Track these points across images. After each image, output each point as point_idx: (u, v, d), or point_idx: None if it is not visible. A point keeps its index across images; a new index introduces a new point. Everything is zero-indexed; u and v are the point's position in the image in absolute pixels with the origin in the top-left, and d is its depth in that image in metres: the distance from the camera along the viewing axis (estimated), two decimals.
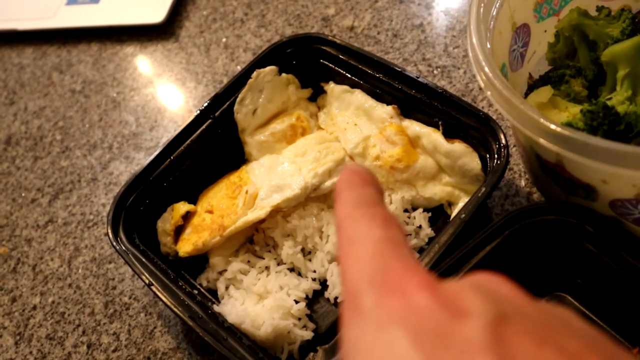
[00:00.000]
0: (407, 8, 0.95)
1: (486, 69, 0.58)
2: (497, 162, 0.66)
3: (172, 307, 0.66)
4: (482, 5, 0.63)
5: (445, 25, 0.91)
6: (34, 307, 0.82)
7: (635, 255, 0.57)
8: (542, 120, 0.53)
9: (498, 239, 0.61)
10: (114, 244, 0.72)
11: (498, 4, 0.65)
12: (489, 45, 0.62)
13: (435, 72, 0.87)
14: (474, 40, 0.61)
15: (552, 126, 0.52)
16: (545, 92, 0.68)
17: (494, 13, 0.65)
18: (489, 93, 0.58)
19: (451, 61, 0.87)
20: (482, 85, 0.59)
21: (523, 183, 0.74)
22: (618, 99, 0.63)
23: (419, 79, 0.73)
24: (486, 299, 0.27)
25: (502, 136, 0.66)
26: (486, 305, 0.26)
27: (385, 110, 0.76)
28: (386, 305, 0.27)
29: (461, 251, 0.60)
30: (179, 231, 0.77)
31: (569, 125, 0.61)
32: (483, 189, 0.65)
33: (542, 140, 0.54)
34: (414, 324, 0.26)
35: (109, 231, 0.72)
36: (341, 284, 0.31)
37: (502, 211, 0.73)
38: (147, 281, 0.68)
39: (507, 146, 0.66)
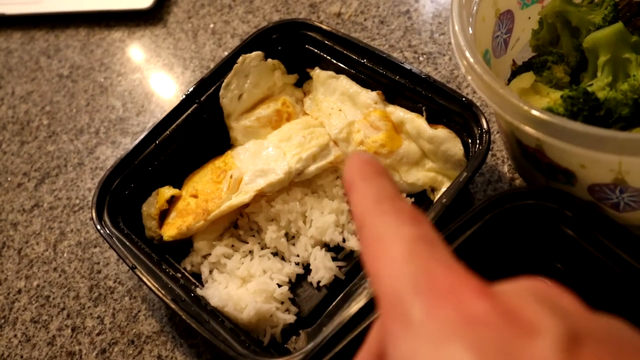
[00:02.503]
0: None
1: (467, 54, 0.59)
2: (478, 147, 0.66)
3: (155, 290, 0.67)
4: None
5: (431, 12, 0.92)
6: (19, 291, 0.82)
7: (613, 240, 0.58)
8: (521, 104, 0.54)
9: (478, 223, 0.61)
10: (98, 227, 0.72)
11: None
12: (471, 31, 0.62)
13: (421, 58, 0.87)
14: (456, 25, 0.61)
15: (531, 111, 0.53)
16: (527, 78, 0.68)
17: None
18: (469, 78, 0.58)
19: (437, 48, 0.87)
20: (463, 70, 0.59)
21: (506, 169, 0.75)
22: (599, 85, 0.63)
23: (403, 65, 0.74)
24: (552, 313, 0.25)
25: (483, 121, 0.67)
26: (554, 320, 0.24)
27: (369, 96, 0.76)
28: (440, 316, 0.25)
29: (442, 234, 0.61)
30: (163, 215, 0.77)
31: (549, 110, 0.61)
32: (465, 174, 0.65)
33: (521, 125, 0.54)
34: (476, 339, 0.24)
35: (94, 214, 0.73)
36: (375, 289, 0.28)
37: (484, 197, 0.73)
38: (130, 264, 0.69)
39: (488, 131, 0.66)
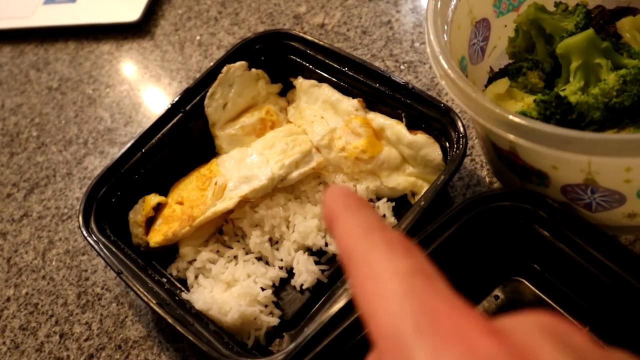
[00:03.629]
0: (376, 6, 0.97)
1: (441, 60, 0.60)
2: (456, 151, 0.68)
3: (141, 294, 0.68)
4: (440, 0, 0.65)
5: (412, 22, 0.94)
6: (8, 299, 0.83)
7: (586, 240, 0.59)
8: (493, 108, 0.56)
9: (456, 225, 0.63)
10: (85, 234, 0.73)
11: None
12: (446, 38, 0.64)
13: (402, 67, 0.89)
14: (431, 32, 0.63)
15: (503, 113, 0.55)
16: (502, 84, 0.70)
17: (452, 7, 0.67)
18: (443, 83, 0.60)
19: (417, 56, 0.89)
20: (438, 76, 0.61)
21: (484, 173, 0.76)
22: (571, 90, 0.65)
23: (383, 73, 0.75)
24: (563, 351, 0.24)
25: (460, 126, 0.68)
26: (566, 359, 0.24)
27: (351, 104, 0.78)
28: (448, 359, 0.23)
29: (419, 236, 0.62)
30: (150, 222, 0.78)
31: (522, 114, 0.63)
32: (442, 177, 0.67)
33: (494, 128, 0.56)
34: None
35: (81, 222, 0.74)
36: (371, 329, 0.26)
37: (464, 199, 0.75)
38: (117, 270, 0.70)
39: (465, 135, 0.68)
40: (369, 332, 0.26)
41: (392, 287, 0.26)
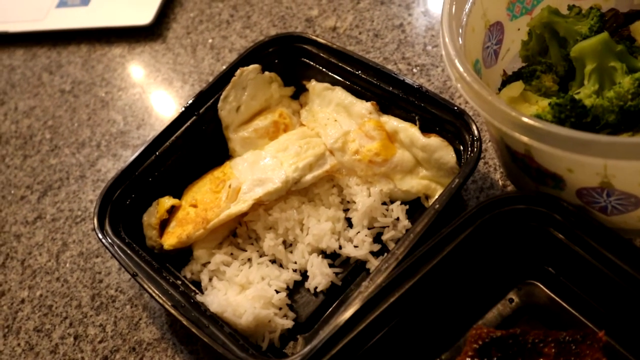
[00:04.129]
0: (387, 9, 0.97)
1: (457, 63, 0.60)
2: (470, 154, 0.68)
3: (156, 296, 0.68)
4: (454, 3, 0.65)
5: (424, 25, 0.94)
6: (22, 301, 0.83)
7: (601, 243, 0.59)
8: (509, 111, 0.56)
9: (470, 228, 0.63)
10: (100, 236, 0.73)
11: (470, 2, 0.67)
12: (461, 42, 0.64)
13: (414, 70, 0.89)
14: (446, 36, 0.63)
15: (518, 116, 0.55)
16: (516, 87, 0.70)
17: (466, 11, 0.67)
18: (459, 86, 0.60)
19: (430, 60, 0.89)
20: (453, 79, 0.61)
21: (498, 176, 0.76)
22: (585, 93, 0.65)
23: (397, 76, 0.76)
24: None
25: (475, 129, 0.69)
26: None
27: (364, 107, 0.78)
28: None
29: (434, 239, 0.62)
30: (164, 225, 0.79)
31: (537, 117, 0.63)
32: (457, 180, 0.67)
33: (509, 131, 0.56)
34: None
35: (96, 224, 0.74)
36: None
37: (477, 203, 0.75)
38: (131, 272, 0.70)
39: (479, 139, 0.68)
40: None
41: None
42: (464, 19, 0.66)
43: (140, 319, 0.77)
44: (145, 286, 0.69)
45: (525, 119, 0.54)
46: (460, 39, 0.64)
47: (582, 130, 0.61)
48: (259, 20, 1.04)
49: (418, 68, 0.89)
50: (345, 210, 0.76)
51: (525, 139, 0.55)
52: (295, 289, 0.74)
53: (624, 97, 0.62)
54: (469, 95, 0.59)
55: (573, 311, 0.64)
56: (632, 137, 0.61)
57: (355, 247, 0.73)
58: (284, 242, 0.76)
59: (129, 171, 0.78)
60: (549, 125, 0.54)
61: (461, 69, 0.60)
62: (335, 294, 0.72)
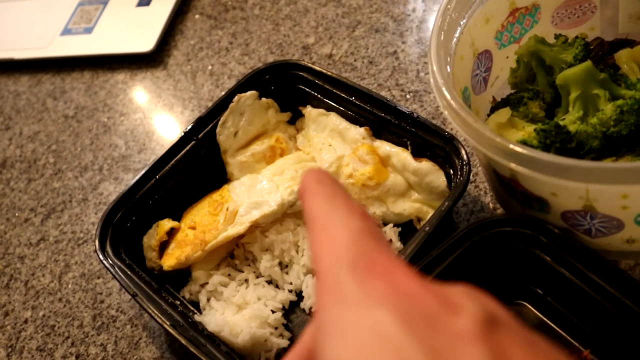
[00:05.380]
0: (382, 37, 1.00)
1: (444, 91, 0.63)
2: (459, 178, 0.70)
3: (155, 316, 0.70)
4: (442, 32, 0.68)
5: (417, 52, 0.97)
6: (26, 321, 0.85)
7: (586, 264, 0.61)
8: (493, 137, 0.58)
9: (459, 250, 0.65)
10: (101, 258, 0.76)
11: (458, 31, 0.70)
12: (449, 70, 0.67)
13: (407, 96, 0.92)
14: (434, 65, 0.65)
15: (503, 143, 0.57)
16: (504, 113, 0.72)
17: (455, 40, 0.69)
18: (446, 113, 0.62)
19: (423, 86, 0.92)
20: (441, 106, 0.63)
21: (488, 199, 0.79)
22: (570, 119, 0.68)
23: (389, 102, 0.78)
24: (477, 303, 0.26)
25: (464, 154, 0.71)
26: (478, 307, 0.26)
27: (358, 132, 0.81)
28: (372, 287, 0.26)
29: (424, 261, 0.64)
30: (163, 246, 0.81)
31: (523, 142, 0.65)
32: (446, 203, 0.69)
33: (495, 156, 0.59)
34: (402, 307, 0.25)
35: (97, 246, 0.76)
36: (314, 268, 0.30)
37: (466, 225, 0.77)
38: (132, 292, 0.72)
39: (468, 163, 0.70)
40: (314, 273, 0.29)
41: (341, 236, 0.29)
42: (453, 48, 0.69)
43: (140, 339, 0.79)
44: (145, 306, 0.71)
45: (509, 145, 0.57)
46: (448, 67, 0.67)
47: (568, 155, 0.64)
48: (257, 48, 1.07)
49: (411, 94, 0.92)
50: None
51: (510, 164, 0.57)
52: (290, 309, 0.76)
53: (606, 124, 0.65)
54: (456, 122, 0.61)
55: (559, 330, 0.66)
56: (612, 162, 0.64)
57: None
58: (280, 264, 0.78)
59: (129, 194, 0.81)
60: (532, 151, 0.56)
61: (448, 97, 0.62)
62: None
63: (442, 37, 0.67)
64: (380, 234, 0.31)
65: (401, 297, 0.26)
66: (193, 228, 0.80)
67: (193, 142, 0.84)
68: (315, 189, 0.33)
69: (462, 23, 0.70)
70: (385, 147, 0.79)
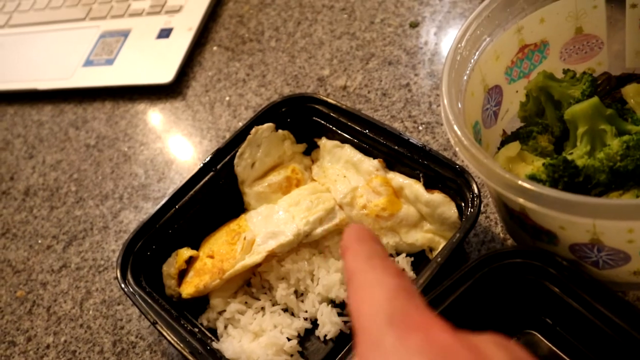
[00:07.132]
0: (395, 69, 1.03)
1: (455, 128, 0.65)
2: (470, 210, 0.72)
3: (175, 343, 0.72)
4: (454, 70, 0.70)
5: (430, 85, 0.99)
6: (48, 346, 0.88)
7: (593, 296, 0.63)
8: (503, 173, 0.60)
9: (470, 281, 0.67)
10: (122, 286, 0.78)
11: (469, 68, 0.72)
12: (460, 106, 0.69)
13: (420, 128, 0.94)
14: (445, 101, 0.68)
15: (512, 179, 0.59)
16: (514, 147, 0.75)
17: (466, 77, 0.72)
18: (457, 149, 0.65)
19: (435, 118, 0.94)
20: (452, 142, 0.66)
21: (499, 230, 0.80)
22: (578, 154, 0.70)
23: (402, 135, 0.80)
24: (507, 352, 0.28)
25: (475, 187, 0.73)
26: (508, 356, 0.28)
27: (371, 164, 0.83)
28: (409, 341, 0.28)
29: (436, 291, 0.66)
30: (182, 275, 0.83)
31: (532, 177, 0.67)
32: (458, 235, 0.71)
33: (504, 192, 0.61)
34: (438, 356, 0.27)
35: (118, 274, 0.79)
36: (354, 326, 0.32)
37: (478, 256, 0.79)
38: (152, 320, 0.74)
39: (479, 196, 0.72)
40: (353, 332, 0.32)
41: (378, 294, 0.31)
42: (464, 85, 0.71)
43: None
44: (165, 333, 0.73)
45: (518, 182, 0.59)
46: (459, 103, 0.69)
47: (576, 189, 0.66)
48: (273, 79, 1.10)
49: (423, 126, 0.94)
50: None
51: (519, 199, 0.59)
52: (305, 337, 0.78)
53: (613, 158, 0.66)
54: (467, 158, 0.64)
55: (568, 359, 0.68)
56: (618, 197, 0.65)
57: None
58: (296, 292, 0.80)
59: (150, 224, 0.83)
60: (540, 187, 0.58)
61: (459, 134, 0.64)
62: (344, 342, 0.76)
63: (453, 75, 0.70)
64: (414, 290, 0.33)
65: (437, 350, 0.28)
66: (211, 257, 0.82)
67: (212, 172, 0.87)
68: (355, 249, 0.35)
69: (472, 60, 0.73)
70: (398, 179, 0.81)
